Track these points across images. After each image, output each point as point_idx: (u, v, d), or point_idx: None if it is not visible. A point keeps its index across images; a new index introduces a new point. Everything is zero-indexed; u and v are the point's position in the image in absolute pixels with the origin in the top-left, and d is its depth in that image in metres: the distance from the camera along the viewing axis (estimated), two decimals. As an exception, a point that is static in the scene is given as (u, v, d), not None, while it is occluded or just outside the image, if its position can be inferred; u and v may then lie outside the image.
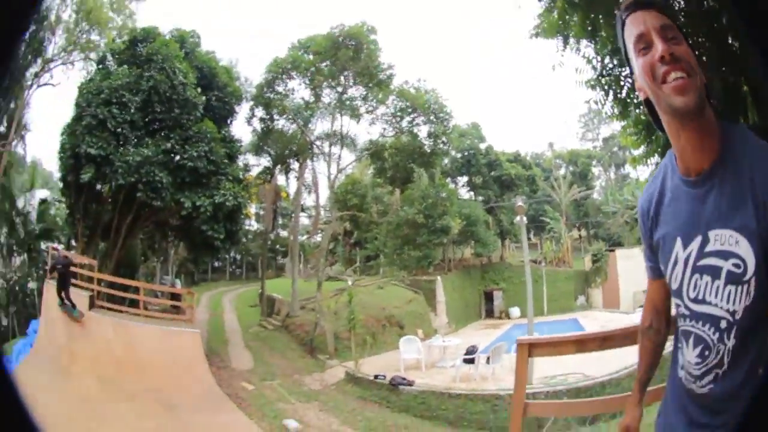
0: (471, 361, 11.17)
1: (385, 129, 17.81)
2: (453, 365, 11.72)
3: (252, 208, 17.66)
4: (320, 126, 18.30)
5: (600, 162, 32.42)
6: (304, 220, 27.34)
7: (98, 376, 9.94)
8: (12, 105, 17.29)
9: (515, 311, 21.34)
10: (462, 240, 21.95)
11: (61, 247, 15.79)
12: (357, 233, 23.79)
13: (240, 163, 15.78)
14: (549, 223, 25.58)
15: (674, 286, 1.22)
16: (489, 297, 23.20)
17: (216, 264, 30.27)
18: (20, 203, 19.03)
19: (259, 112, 17.49)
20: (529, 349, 3.06)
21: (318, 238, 25.80)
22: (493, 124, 55.24)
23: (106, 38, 18.46)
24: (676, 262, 1.19)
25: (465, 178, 25.97)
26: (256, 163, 19.64)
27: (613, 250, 23.72)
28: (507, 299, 22.59)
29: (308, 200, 25.36)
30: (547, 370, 9.74)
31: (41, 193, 20.31)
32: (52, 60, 18.10)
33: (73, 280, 12.08)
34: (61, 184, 15.64)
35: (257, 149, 18.52)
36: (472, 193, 25.67)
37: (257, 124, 17.85)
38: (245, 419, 9.16)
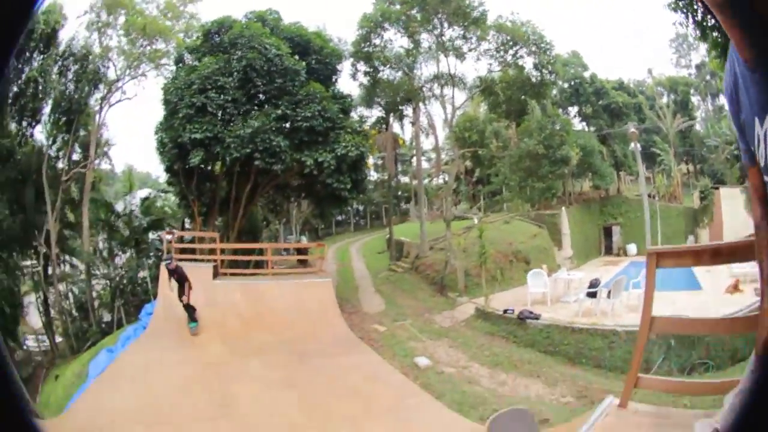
0: (593, 295, 10.93)
1: (491, 65, 17.39)
2: (576, 300, 11.51)
3: (370, 160, 17.97)
4: (426, 70, 18.27)
5: (697, 91, 29.40)
6: (424, 164, 27.89)
7: (225, 338, 10.13)
8: (82, 132, 19.57)
9: (632, 248, 20.34)
10: (580, 172, 21.11)
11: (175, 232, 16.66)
12: (479, 170, 23.78)
13: (354, 116, 16.00)
14: (660, 155, 23.79)
15: (762, 163, 1.25)
16: (608, 232, 22.27)
17: (340, 217, 31.49)
18: (119, 207, 20.99)
19: (362, 67, 17.58)
20: (657, 258, 3.29)
21: (440, 180, 26.23)
22: (588, 52, 49.90)
23: (174, 41, 19.93)
24: (758, 142, 1.24)
25: (575, 109, 24.83)
26: (369, 116, 19.87)
27: (717, 188, 21.81)
28: (625, 235, 21.52)
29: (426, 144, 26.05)
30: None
31: (142, 193, 22.11)
32: (119, 80, 19.96)
33: (194, 256, 13.05)
34: (166, 176, 16.80)
35: (368, 101, 18.75)
36: (584, 123, 24.32)
37: (362, 79, 17.96)
38: (377, 358, 9.26)
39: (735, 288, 10.35)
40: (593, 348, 9.11)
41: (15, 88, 17.88)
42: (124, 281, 18.50)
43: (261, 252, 15.01)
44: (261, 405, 7.04)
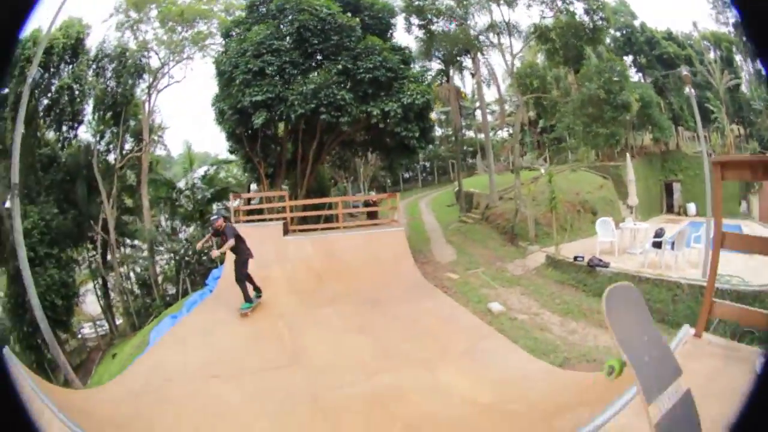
0: (658, 245, 10.72)
1: (542, 11, 16.79)
2: (642, 251, 11.35)
3: (433, 114, 17.86)
4: (480, 20, 17.84)
5: (738, 49, 27.50)
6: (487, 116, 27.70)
7: (296, 291, 10.11)
8: (132, 123, 20.41)
9: (692, 207, 19.75)
10: (640, 124, 20.48)
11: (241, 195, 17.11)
12: (542, 120, 23.41)
13: (416, 67, 15.78)
14: (713, 112, 22.94)
15: None
16: (669, 189, 21.70)
17: (407, 174, 31.63)
18: (181, 184, 21.58)
19: (415, 20, 17.32)
20: (721, 169, 3.75)
21: (504, 132, 25.95)
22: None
23: (216, 21, 20.44)
24: None
25: (629, 59, 23.97)
26: (429, 68, 19.54)
27: (764, 153, 21.02)
28: (685, 193, 20.75)
29: (487, 96, 26.12)
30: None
31: (201, 171, 22.70)
32: (163, 65, 20.69)
33: (262, 216, 13.09)
34: (227, 146, 17.04)
35: (426, 54, 18.53)
36: (639, 74, 23.42)
37: (417, 32, 17.75)
38: (451, 302, 9.19)
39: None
40: (658, 300, 8.83)
41: (45, 101, 18.76)
42: (189, 252, 18.91)
43: (331, 208, 15.11)
44: (333, 351, 6.98)
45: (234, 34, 15.28)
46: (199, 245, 10.68)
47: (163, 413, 5.33)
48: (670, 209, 21.09)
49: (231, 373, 6.36)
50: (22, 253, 8.86)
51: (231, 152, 17.50)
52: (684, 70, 18.37)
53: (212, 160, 22.84)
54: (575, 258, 11.16)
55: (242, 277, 8.86)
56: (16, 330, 16.06)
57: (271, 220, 13.05)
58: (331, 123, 13.51)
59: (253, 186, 19.23)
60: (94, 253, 20.21)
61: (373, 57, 13.31)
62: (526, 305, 9.20)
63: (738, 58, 26.48)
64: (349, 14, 14.34)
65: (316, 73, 13.32)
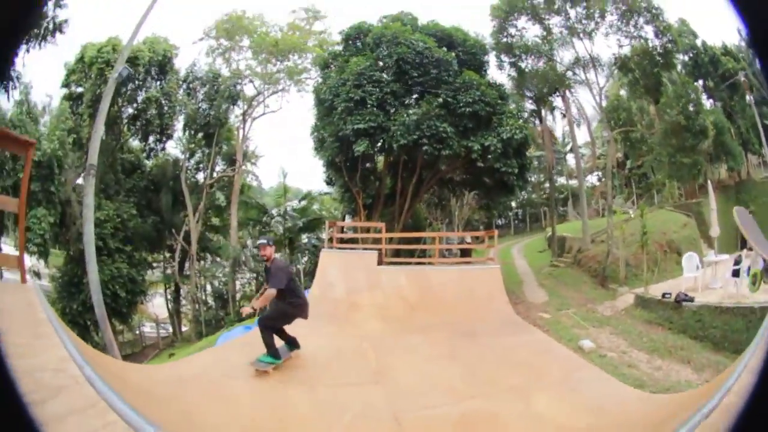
0: (737, 274, 10.72)
1: (619, 39, 16.98)
2: (721, 285, 11.30)
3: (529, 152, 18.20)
4: (565, 55, 18.00)
5: None
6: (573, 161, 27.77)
7: (386, 318, 9.89)
8: (224, 147, 21.30)
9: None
10: (715, 156, 20.09)
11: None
12: (630, 159, 23.28)
13: (512, 104, 15.99)
14: None
15: None
16: None
17: (500, 221, 31.73)
18: (274, 211, 22.58)
19: (505, 58, 17.62)
20: None
21: (592, 179, 26.11)
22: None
23: (310, 55, 21.38)
24: None
25: (699, 83, 23.10)
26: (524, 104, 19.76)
27: None
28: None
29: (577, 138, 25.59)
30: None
31: (293, 202, 23.53)
32: (259, 94, 21.66)
33: (354, 245, 13.37)
34: (324, 175, 17.66)
35: (518, 92, 18.59)
36: (710, 100, 22.90)
37: (508, 70, 17.98)
38: (545, 336, 9.19)
39: None
40: (735, 329, 8.92)
41: (130, 110, 19.87)
42: None
43: (425, 243, 15.44)
44: (419, 374, 6.74)
45: (332, 66, 15.92)
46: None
47: (206, 401, 5.10)
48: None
49: (302, 380, 6.06)
50: (89, 228, 8.93)
51: (328, 183, 18.09)
52: (742, 76, 18.03)
53: (303, 195, 23.43)
54: (663, 295, 11.19)
55: (271, 325, 6.53)
56: (62, 303, 16.57)
57: (363, 249, 13.38)
58: (432, 155, 13.86)
59: (347, 218, 19.69)
60: (172, 261, 21.19)
61: (472, 91, 13.73)
62: (615, 344, 9.37)
63: None
64: (445, 49, 14.77)
65: (417, 106, 13.83)
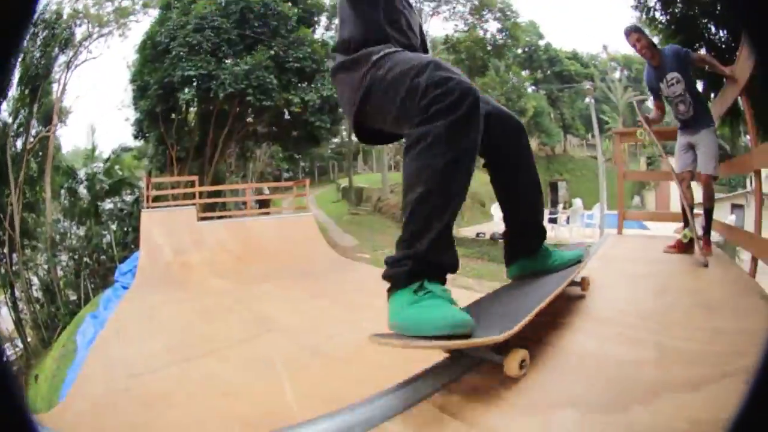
0: (554, 221, 12.61)
1: (456, 25, 18.45)
2: None
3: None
4: None
5: None
6: None
7: (222, 273, 9.75)
8: (40, 103, 18.28)
9: (578, 202, 22.14)
10: (529, 131, 22.57)
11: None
12: None
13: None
14: (608, 122, 25.68)
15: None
16: (554, 187, 23.93)
17: (287, 174, 30.61)
18: (82, 173, 19.65)
19: (336, 20, 17.95)
20: (620, 137, 5.79)
21: None
22: (547, 23, 52.38)
23: None
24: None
25: (526, 73, 26.28)
26: None
27: (665, 156, 23.88)
28: (571, 190, 23.28)
29: None
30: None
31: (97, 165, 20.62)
32: (89, 37, 19.07)
33: (167, 202, 12.81)
34: (133, 129, 16.74)
35: None
36: (534, 87, 25.89)
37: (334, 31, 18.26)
38: (380, 270, 9.87)
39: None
40: None
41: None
42: (87, 251, 17.38)
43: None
44: (302, 315, 6.68)
45: (173, 8, 15.28)
46: None
47: (151, 411, 4.35)
48: (554, 204, 23.17)
49: (204, 351, 5.61)
50: None
51: (136, 137, 17.03)
52: (587, 84, 20.80)
53: (110, 154, 21.11)
54: (477, 234, 12.79)
55: None
56: None
57: (182, 205, 12.73)
58: (254, 106, 13.95)
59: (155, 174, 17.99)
60: (2, 257, 17.34)
61: (304, 48, 14.17)
62: None
63: None
64: (289, 4, 15.05)
65: (249, 56, 13.74)
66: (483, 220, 15.24)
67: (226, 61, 13.81)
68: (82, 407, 4.71)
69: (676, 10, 8.79)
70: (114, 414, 4.36)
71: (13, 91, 17.55)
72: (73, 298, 17.33)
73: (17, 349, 17.16)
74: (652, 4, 9.04)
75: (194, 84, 13.38)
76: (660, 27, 9.09)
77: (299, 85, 14.33)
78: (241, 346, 5.59)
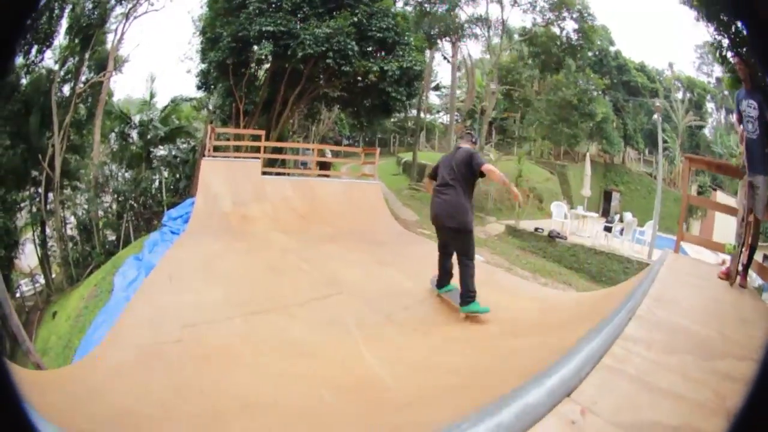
0: (609, 230, 12.41)
1: (535, 18, 18.13)
2: (589, 236, 12.74)
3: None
4: (471, 11, 18.84)
5: (713, 99, 30.66)
6: (434, 99, 30.17)
7: (285, 230, 9.46)
8: (93, 50, 18.56)
9: (629, 216, 21.64)
10: (591, 135, 22.15)
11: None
12: (501, 108, 24.48)
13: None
14: (666, 141, 24.92)
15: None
16: (608, 197, 23.32)
17: (346, 141, 31.19)
18: (137, 119, 20.06)
19: None
20: (690, 162, 6.39)
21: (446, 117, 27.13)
22: (618, 30, 51.68)
23: None
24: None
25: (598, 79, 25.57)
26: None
27: (715, 189, 23.45)
28: (623, 203, 22.76)
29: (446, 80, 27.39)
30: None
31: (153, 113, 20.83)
32: None
33: (227, 153, 12.80)
34: (212, 75, 16.01)
35: (415, 28, 18.70)
36: (600, 93, 25.31)
37: (412, 7, 18.49)
38: None
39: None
40: (611, 269, 10.17)
41: (28, 21, 16.91)
42: (134, 195, 17.58)
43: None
44: (371, 280, 6.40)
45: None
46: None
47: (210, 367, 3.71)
48: (606, 213, 22.72)
49: (272, 306, 5.10)
50: None
51: (200, 87, 16.83)
52: (657, 101, 20.23)
53: (169, 102, 21.11)
54: (535, 229, 12.47)
55: None
56: None
57: (244, 158, 12.63)
58: (332, 69, 13.69)
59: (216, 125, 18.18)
60: (37, 196, 17.69)
61: (387, 19, 13.85)
62: (499, 262, 9.76)
63: (711, 106, 29.63)
64: None
65: (331, 19, 13.47)
66: (539, 217, 14.94)
67: (307, 21, 13.50)
68: (122, 358, 3.98)
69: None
70: (164, 368, 3.68)
71: (60, 39, 17.70)
72: (112, 238, 17.61)
73: (37, 285, 18.14)
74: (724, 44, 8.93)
75: (271, 40, 13.08)
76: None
77: (379, 54, 14.04)
78: (311, 305, 5.28)
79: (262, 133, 13.35)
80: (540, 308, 5.51)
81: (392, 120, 28.88)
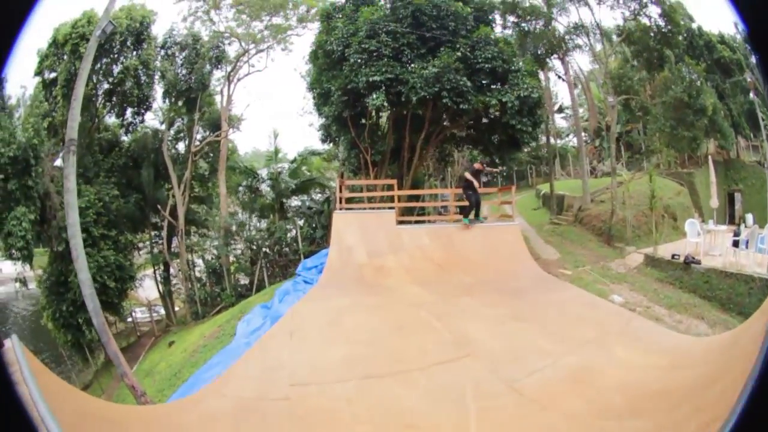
0: (736, 244, 11.47)
1: (624, 13, 17.11)
2: (720, 253, 11.91)
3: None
4: (567, 21, 18.04)
5: None
6: (563, 122, 29.55)
7: (420, 281, 9.50)
8: (202, 112, 20.08)
9: (750, 218, 19.94)
10: (706, 133, 20.63)
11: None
12: (620, 123, 23.54)
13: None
14: (764, 119, 22.47)
15: None
16: (731, 199, 21.70)
17: (485, 179, 31.38)
18: (264, 174, 21.55)
19: (510, 17, 17.44)
20: None
21: (574, 140, 27.02)
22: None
23: (294, 12, 20.64)
24: None
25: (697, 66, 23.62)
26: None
27: None
28: (744, 203, 20.97)
29: (567, 100, 27.13)
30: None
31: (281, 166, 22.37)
32: (245, 53, 20.71)
33: (363, 205, 13.16)
34: (321, 132, 17.11)
35: (521, 51, 18.36)
36: (703, 80, 23.43)
37: (511, 30, 17.78)
38: (584, 292, 9.19)
39: None
40: (739, 293, 9.58)
41: (106, 85, 18.82)
42: (268, 243, 18.64)
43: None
44: (499, 339, 6.29)
45: (336, 16, 15.30)
46: None
47: (309, 428, 3.94)
48: (732, 220, 20.64)
49: (390, 370, 5.12)
50: (74, 216, 7.67)
51: (323, 140, 17.44)
52: (749, 77, 18.66)
53: (296, 156, 22.50)
54: (672, 256, 11.67)
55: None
56: (51, 307, 15.86)
57: (378, 209, 12.96)
58: (450, 109, 13.50)
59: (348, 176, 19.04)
60: (158, 239, 20.12)
61: (490, 47, 13.50)
62: (638, 299, 9.49)
63: None
64: (460, 3, 14.43)
65: (434, 59, 13.30)
66: (675, 237, 14.01)
67: (411, 65, 13.46)
68: (220, 406, 4.23)
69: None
70: (258, 424, 3.78)
71: (158, 103, 19.99)
72: (244, 282, 19.10)
73: (155, 314, 20.31)
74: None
75: (382, 89, 13.14)
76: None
77: (493, 86, 13.76)
78: (432, 370, 5.22)
79: (395, 182, 13.51)
80: (667, 365, 5.17)
81: (526, 150, 28.71)
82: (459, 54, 13.35)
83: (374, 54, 13.25)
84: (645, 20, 17.33)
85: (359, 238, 11.26)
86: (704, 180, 19.23)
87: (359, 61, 13.25)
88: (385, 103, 13.80)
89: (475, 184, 11.62)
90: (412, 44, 13.65)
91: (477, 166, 12.04)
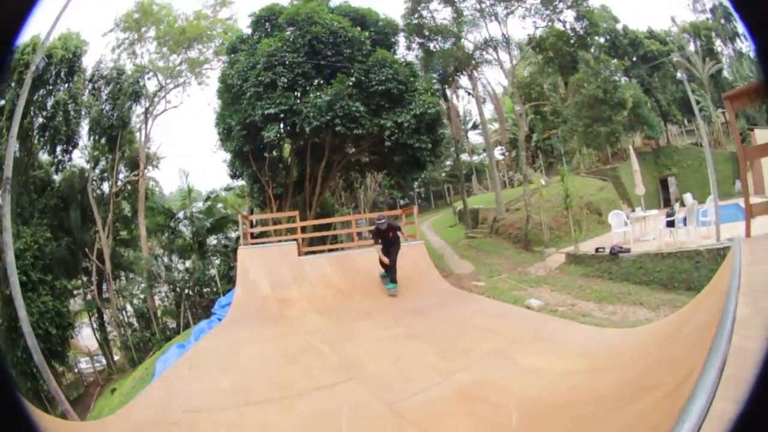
0: (671, 224, 11.51)
1: (535, 21, 17.33)
2: (654, 237, 11.94)
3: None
4: (476, 37, 18.29)
5: (717, 34, 28.18)
6: (479, 137, 29.59)
7: (321, 309, 9.48)
8: (126, 151, 19.73)
9: (689, 197, 20.32)
10: (631, 125, 21.05)
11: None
12: (536, 133, 23.67)
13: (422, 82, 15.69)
14: (699, 101, 23.32)
15: None
16: (663, 184, 22.26)
17: (402, 202, 31.14)
18: (180, 214, 21.03)
19: (415, 38, 17.57)
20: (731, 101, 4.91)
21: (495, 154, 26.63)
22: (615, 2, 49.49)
23: (214, 43, 20.52)
24: None
25: (616, 62, 24.24)
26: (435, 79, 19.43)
27: (752, 129, 21.76)
28: (680, 185, 21.55)
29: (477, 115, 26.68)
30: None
31: (198, 204, 22.13)
32: (161, 89, 20.27)
33: (268, 239, 12.78)
34: (229, 168, 16.80)
35: (425, 71, 18.24)
36: (625, 78, 23.98)
37: (416, 51, 18.02)
38: (493, 302, 9.11)
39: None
40: (682, 270, 9.49)
41: (40, 119, 18.12)
42: (189, 284, 18.30)
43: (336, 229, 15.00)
44: (389, 360, 6.16)
45: (240, 50, 15.14)
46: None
47: None
48: (667, 203, 21.29)
49: (271, 397, 5.26)
50: (11, 255, 7.59)
51: (232, 177, 17.26)
52: (675, 57, 18.90)
53: (207, 195, 22.25)
54: (596, 250, 11.66)
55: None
56: (10, 354, 15.05)
57: (280, 241, 12.75)
58: (344, 135, 13.46)
59: (255, 212, 18.74)
60: (90, 284, 19.48)
61: (385, 70, 13.45)
62: (561, 299, 9.30)
63: (718, 42, 27.29)
64: (358, 29, 14.49)
65: (328, 86, 13.29)
66: (601, 231, 14.14)
67: (309, 94, 13.38)
68: (122, 427, 4.92)
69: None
70: None
71: (84, 140, 19.14)
72: (173, 325, 18.79)
73: (98, 365, 20.01)
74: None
75: (278, 121, 13.08)
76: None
77: (389, 108, 13.62)
78: (312, 395, 5.24)
79: (296, 213, 13.40)
80: (590, 369, 4.81)
81: (444, 170, 28.39)
82: (353, 79, 13.27)
83: (270, 86, 13.17)
84: (559, 25, 17.51)
85: (262, 272, 11.19)
86: (630, 173, 19.56)
87: (256, 94, 13.15)
88: (282, 135, 13.78)
89: (378, 248, 10.12)
90: (307, 74, 13.62)
91: (379, 223, 10.14)
